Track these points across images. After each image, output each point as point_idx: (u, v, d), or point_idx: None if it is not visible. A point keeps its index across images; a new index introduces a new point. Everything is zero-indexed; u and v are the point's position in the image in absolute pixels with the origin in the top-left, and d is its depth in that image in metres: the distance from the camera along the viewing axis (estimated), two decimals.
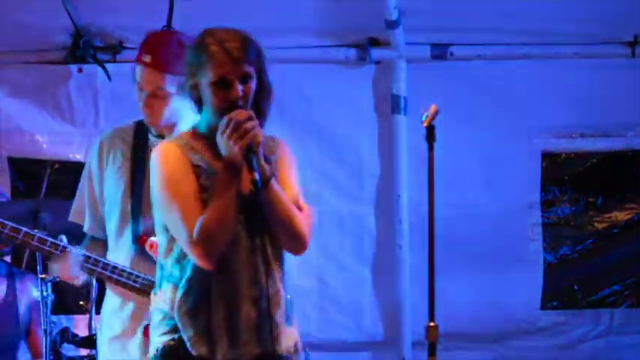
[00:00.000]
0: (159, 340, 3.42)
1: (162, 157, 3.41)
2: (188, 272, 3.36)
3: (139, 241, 4.21)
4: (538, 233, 6.10)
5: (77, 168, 4.97)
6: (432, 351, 3.83)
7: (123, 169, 4.29)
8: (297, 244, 3.42)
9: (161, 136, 4.27)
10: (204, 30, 3.41)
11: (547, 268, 6.11)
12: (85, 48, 5.90)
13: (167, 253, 3.43)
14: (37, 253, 4.50)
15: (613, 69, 5.94)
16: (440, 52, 5.98)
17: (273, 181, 3.35)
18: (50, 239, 4.24)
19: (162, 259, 3.46)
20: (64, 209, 4.47)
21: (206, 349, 3.34)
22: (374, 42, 5.97)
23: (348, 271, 6.08)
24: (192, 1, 5.39)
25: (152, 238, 4.16)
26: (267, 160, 3.40)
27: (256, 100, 3.41)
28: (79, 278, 4.28)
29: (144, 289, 4.19)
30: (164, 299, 3.41)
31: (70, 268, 4.24)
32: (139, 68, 4.24)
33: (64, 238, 4.26)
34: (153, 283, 4.14)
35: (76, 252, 4.23)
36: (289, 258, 3.49)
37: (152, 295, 3.53)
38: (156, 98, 4.21)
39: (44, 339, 4.76)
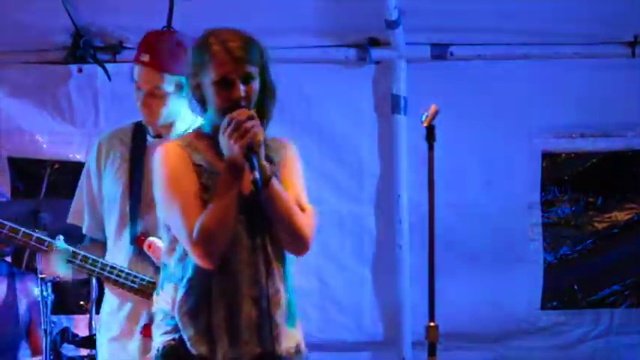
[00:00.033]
0: (160, 339, 3.42)
1: (164, 156, 3.42)
2: (189, 272, 3.36)
3: (137, 242, 4.22)
4: (538, 233, 6.10)
5: (77, 168, 4.97)
6: (432, 351, 3.83)
7: (121, 170, 4.29)
8: (299, 245, 3.41)
9: (159, 137, 4.28)
10: (207, 30, 3.42)
11: (547, 268, 6.11)
12: (85, 48, 5.90)
13: (170, 253, 3.44)
14: (37, 254, 4.50)
15: (613, 69, 5.94)
16: (440, 52, 5.98)
17: (274, 181, 3.34)
18: (35, 234, 4.22)
19: (166, 259, 3.46)
20: (64, 209, 4.47)
21: (206, 349, 3.34)
22: (374, 42, 5.97)
23: (348, 271, 6.08)
24: (192, 1, 5.39)
25: (150, 239, 4.17)
26: (270, 160, 3.40)
27: (260, 101, 3.41)
28: (67, 274, 4.26)
29: (142, 290, 4.19)
30: (166, 299, 3.42)
31: (56, 263, 4.22)
32: (137, 68, 4.25)
33: (61, 238, 4.25)
34: (151, 283, 4.16)
35: (63, 248, 4.21)
36: (292, 259, 3.48)
37: (155, 295, 3.53)
38: (154, 97, 4.22)
39: (44, 339, 4.77)
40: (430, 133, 3.85)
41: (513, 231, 6.08)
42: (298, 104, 5.91)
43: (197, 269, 3.35)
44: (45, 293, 4.72)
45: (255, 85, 3.39)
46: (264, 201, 3.33)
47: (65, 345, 5.23)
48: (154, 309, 3.50)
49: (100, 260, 4.22)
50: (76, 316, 5.95)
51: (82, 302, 5.92)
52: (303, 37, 5.93)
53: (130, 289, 4.21)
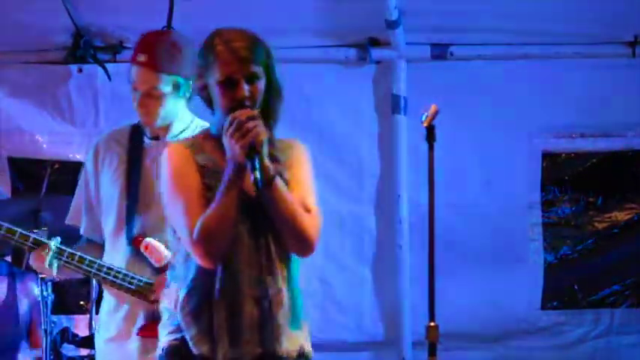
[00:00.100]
0: (165, 339, 3.42)
1: (168, 156, 3.42)
2: (192, 272, 3.36)
3: (135, 243, 4.20)
4: (538, 233, 6.10)
5: (77, 168, 4.98)
6: (432, 351, 3.83)
7: (119, 171, 4.28)
8: (303, 246, 3.39)
9: (156, 138, 4.26)
10: (213, 30, 3.41)
11: (547, 268, 6.11)
12: (85, 48, 5.90)
13: (176, 254, 3.44)
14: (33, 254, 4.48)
15: (613, 69, 5.94)
16: (440, 52, 5.98)
17: (277, 181, 3.32)
18: (20, 230, 4.20)
19: (172, 259, 3.47)
20: (64, 207, 4.46)
21: (208, 348, 3.33)
22: (374, 42, 5.97)
23: (349, 271, 6.08)
24: (192, 1, 5.39)
25: (147, 240, 4.16)
26: (276, 160, 3.39)
27: (266, 101, 3.41)
28: (52, 271, 4.23)
29: (139, 291, 4.18)
30: (170, 299, 3.42)
31: (40, 259, 4.20)
32: (134, 68, 4.22)
33: (58, 239, 4.24)
34: (148, 284, 4.16)
35: (47, 244, 4.18)
36: (297, 260, 3.46)
37: (161, 295, 3.54)
38: (150, 98, 4.20)
39: (44, 339, 4.77)
40: (430, 133, 3.85)
41: (513, 231, 6.08)
42: (298, 104, 5.90)
43: (200, 269, 3.34)
44: (45, 293, 4.72)
45: (260, 85, 3.38)
46: (266, 201, 3.33)
47: (65, 345, 5.23)
48: (160, 307, 3.50)
49: (97, 261, 4.21)
50: (76, 316, 5.95)
51: (82, 302, 5.92)
52: (303, 37, 5.93)
53: (127, 291, 4.19)
